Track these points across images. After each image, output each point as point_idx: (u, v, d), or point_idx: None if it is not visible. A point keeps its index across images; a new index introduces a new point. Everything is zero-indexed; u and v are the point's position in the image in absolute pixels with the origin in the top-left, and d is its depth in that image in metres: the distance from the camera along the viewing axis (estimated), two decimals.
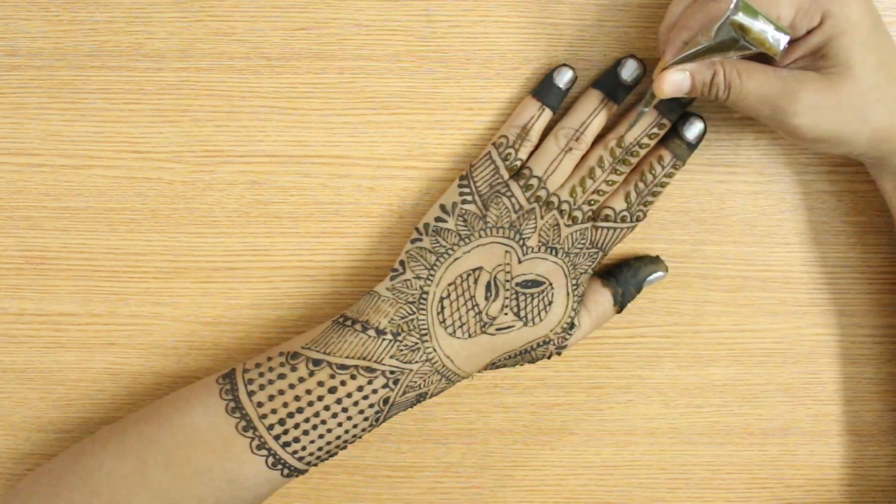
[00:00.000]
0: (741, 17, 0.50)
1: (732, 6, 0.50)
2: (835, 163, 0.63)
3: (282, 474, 0.58)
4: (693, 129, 0.60)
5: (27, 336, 0.65)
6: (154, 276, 0.64)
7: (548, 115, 0.60)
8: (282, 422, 0.57)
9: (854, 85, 0.53)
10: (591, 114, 0.60)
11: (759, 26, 0.50)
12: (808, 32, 0.53)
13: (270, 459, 0.57)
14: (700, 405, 0.66)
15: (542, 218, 0.59)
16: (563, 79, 0.60)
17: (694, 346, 0.65)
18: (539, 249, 0.59)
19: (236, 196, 0.63)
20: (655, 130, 0.60)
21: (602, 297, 0.62)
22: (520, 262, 0.59)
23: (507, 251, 0.59)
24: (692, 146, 0.60)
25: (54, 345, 0.65)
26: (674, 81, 0.54)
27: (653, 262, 0.63)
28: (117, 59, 0.62)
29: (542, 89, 0.61)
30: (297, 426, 0.57)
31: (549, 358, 0.61)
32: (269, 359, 0.58)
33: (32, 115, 0.62)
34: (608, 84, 0.60)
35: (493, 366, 0.60)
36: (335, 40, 0.61)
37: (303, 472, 0.59)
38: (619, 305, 0.62)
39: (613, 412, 0.66)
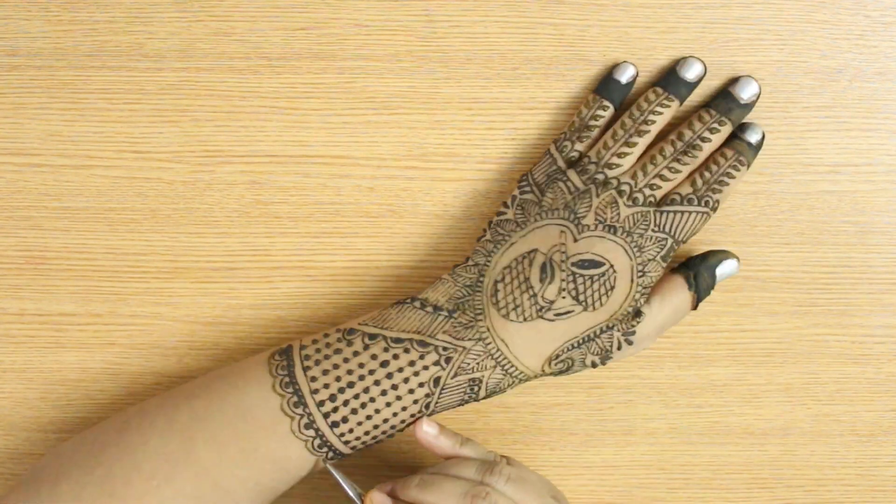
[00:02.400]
0: None
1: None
2: (835, 163, 0.63)
3: (323, 460, 0.58)
4: (754, 134, 0.61)
5: (27, 336, 0.65)
6: (154, 276, 0.64)
7: (609, 110, 0.60)
8: (332, 398, 0.57)
9: None
10: (651, 107, 0.60)
11: None
12: None
13: (316, 441, 0.57)
14: (700, 405, 0.66)
15: (597, 196, 0.58)
16: (624, 75, 0.60)
17: (694, 346, 0.65)
18: (596, 227, 0.58)
19: (236, 196, 0.63)
20: (716, 126, 0.60)
21: (674, 283, 0.60)
22: (575, 240, 0.58)
23: (561, 231, 0.58)
24: (754, 148, 0.60)
25: (54, 345, 0.65)
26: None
27: (723, 251, 0.62)
28: (117, 59, 0.62)
29: (604, 86, 0.61)
30: (346, 403, 0.57)
31: (620, 349, 0.59)
32: (326, 335, 0.59)
33: (33, 115, 0.62)
34: (670, 83, 0.60)
35: (558, 360, 0.58)
36: (335, 40, 0.61)
37: (344, 456, 0.59)
38: (695, 292, 0.60)
39: (613, 412, 0.66)
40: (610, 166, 0.59)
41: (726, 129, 0.60)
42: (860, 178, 0.63)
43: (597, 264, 0.58)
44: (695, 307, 0.61)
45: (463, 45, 0.62)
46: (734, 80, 0.61)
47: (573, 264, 0.57)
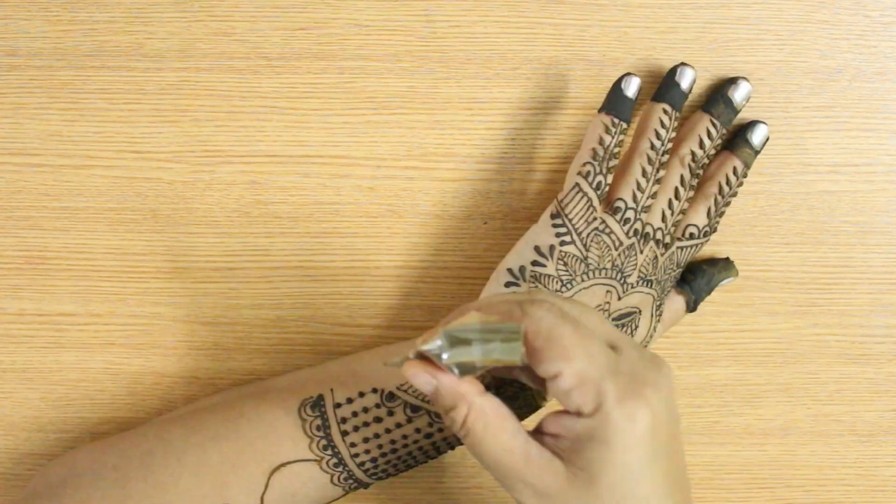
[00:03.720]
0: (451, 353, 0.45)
1: (439, 343, 0.46)
2: (835, 163, 0.63)
3: (345, 489, 0.58)
4: (758, 134, 0.60)
5: (27, 336, 0.65)
6: (154, 276, 0.64)
7: (623, 128, 0.58)
8: (374, 461, 0.57)
9: (592, 499, 0.46)
10: (668, 135, 0.58)
11: (477, 352, 0.45)
12: (577, 414, 0.46)
13: (353, 484, 0.58)
14: (700, 405, 0.66)
15: (641, 253, 0.58)
16: (630, 88, 0.58)
17: (694, 346, 0.65)
18: (637, 284, 0.58)
19: (236, 196, 0.63)
20: (720, 141, 0.60)
21: (676, 305, 0.61)
22: (619, 298, 0.58)
23: (608, 290, 0.57)
24: (757, 152, 0.60)
25: (54, 345, 0.65)
26: (419, 381, 0.47)
27: (725, 267, 0.62)
28: (117, 59, 0.62)
29: (613, 103, 0.58)
30: (388, 462, 0.57)
31: None
32: (362, 395, 0.57)
33: (32, 115, 0.62)
34: (669, 95, 0.59)
35: None
36: (335, 40, 0.61)
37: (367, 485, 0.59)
38: (692, 310, 0.62)
39: None
40: (646, 209, 0.58)
41: (725, 139, 0.61)
42: (860, 178, 0.63)
43: (630, 314, 0.58)
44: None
45: (462, 45, 0.62)
46: (730, 82, 0.60)
47: (613, 319, 0.58)
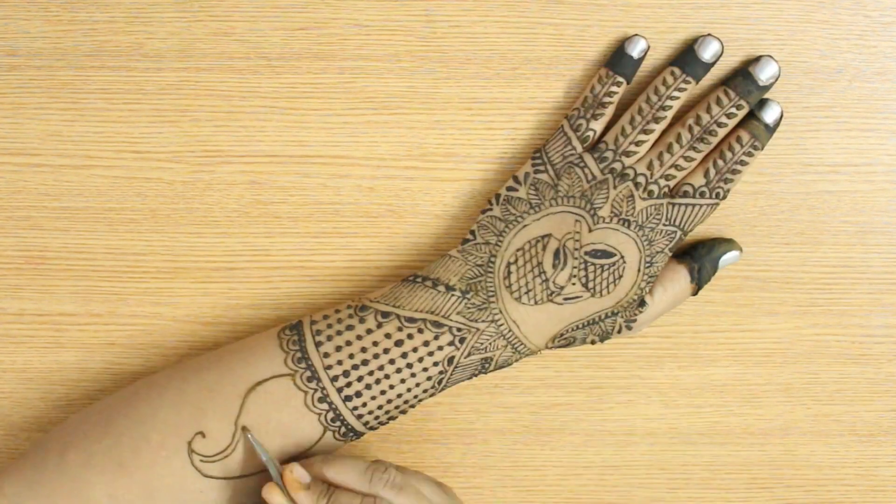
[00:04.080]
0: None
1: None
2: (835, 163, 0.63)
3: (335, 435, 0.58)
4: (771, 113, 0.60)
5: (27, 336, 0.65)
6: (154, 277, 0.64)
7: (622, 86, 0.60)
8: (346, 373, 0.58)
9: None
10: (669, 91, 0.60)
11: None
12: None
13: (330, 415, 0.58)
14: (700, 405, 0.66)
15: (615, 188, 0.59)
16: (635, 48, 0.60)
17: (694, 347, 0.65)
18: (611, 220, 0.59)
19: (236, 196, 0.63)
20: (733, 111, 0.60)
21: (678, 274, 0.61)
22: (590, 230, 0.59)
23: (577, 220, 0.59)
24: (770, 129, 0.60)
25: (54, 345, 0.65)
26: (272, 500, 0.56)
27: (727, 241, 0.62)
28: (117, 59, 0.62)
29: (615, 59, 0.60)
30: (360, 379, 0.58)
31: (619, 333, 0.61)
32: (337, 311, 0.59)
33: (32, 115, 0.62)
34: (682, 60, 0.60)
35: (562, 338, 0.60)
36: (335, 40, 0.62)
37: (358, 435, 0.59)
38: (696, 283, 0.62)
39: (613, 412, 0.66)
40: (628, 154, 0.59)
41: (743, 112, 0.60)
42: (860, 178, 0.63)
43: (608, 255, 0.59)
44: (695, 294, 0.62)
45: (462, 46, 0.62)
46: (754, 60, 0.60)
47: (586, 253, 0.59)
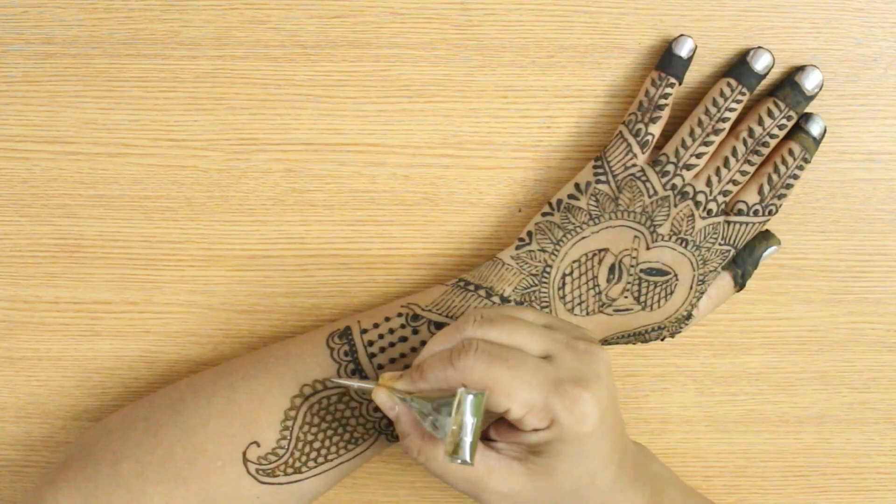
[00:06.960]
0: (460, 409, 0.49)
1: (459, 397, 0.49)
2: (871, 151, 0.63)
3: (388, 438, 0.58)
4: (816, 126, 0.61)
5: (63, 324, 0.65)
6: (189, 265, 0.64)
7: (674, 86, 0.60)
8: None
9: (552, 489, 0.53)
10: (727, 103, 0.60)
11: (465, 426, 0.49)
12: (533, 430, 0.51)
13: (384, 422, 0.58)
14: (735, 393, 0.66)
15: (675, 206, 0.59)
16: (683, 48, 0.60)
17: (729, 335, 0.65)
18: (670, 238, 0.59)
19: (271, 184, 0.63)
20: (784, 122, 0.60)
21: (723, 281, 0.62)
22: (648, 248, 0.59)
23: (636, 236, 0.59)
24: (817, 141, 0.61)
25: (90, 333, 0.65)
26: (381, 402, 0.52)
27: (766, 237, 0.62)
28: (153, 48, 0.62)
29: (665, 61, 0.60)
30: None
31: (661, 340, 0.61)
32: (388, 319, 0.59)
33: (68, 104, 0.62)
34: (737, 72, 0.60)
35: (604, 342, 0.61)
36: (370, 28, 0.61)
37: None
38: (740, 286, 0.62)
39: (648, 400, 0.66)
40: (688, 167, 0.59)
41: (792, 123, 0.60)
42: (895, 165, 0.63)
43: (663, 273, 0.59)
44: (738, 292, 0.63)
45: (498, 34, 0.62)
46: (799, 70, 0.61)
47: (641, 270, 0.59)
